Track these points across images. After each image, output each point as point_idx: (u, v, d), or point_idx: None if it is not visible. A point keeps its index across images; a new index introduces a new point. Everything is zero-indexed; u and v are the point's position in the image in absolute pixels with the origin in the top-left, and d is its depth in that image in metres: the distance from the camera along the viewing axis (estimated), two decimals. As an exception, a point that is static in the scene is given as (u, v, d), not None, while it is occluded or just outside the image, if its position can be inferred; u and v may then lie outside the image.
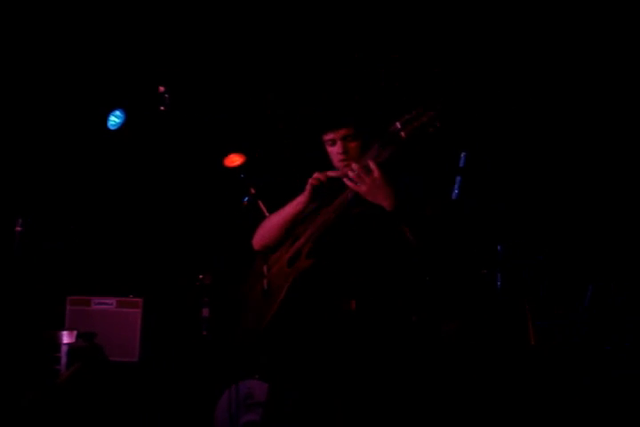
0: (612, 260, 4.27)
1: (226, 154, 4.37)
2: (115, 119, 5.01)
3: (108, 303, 5.15)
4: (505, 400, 3.72)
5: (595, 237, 4.40)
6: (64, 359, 4.49)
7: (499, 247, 4.14)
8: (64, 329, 4.68)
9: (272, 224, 2.88)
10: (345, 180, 2.56)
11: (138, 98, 4.97)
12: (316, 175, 2.71)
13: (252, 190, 4.25)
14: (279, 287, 2.68)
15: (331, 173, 2.70)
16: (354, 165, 2.54)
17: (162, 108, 4.48)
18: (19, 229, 4.47)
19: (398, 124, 2.46)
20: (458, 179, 4.17)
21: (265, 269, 2.79)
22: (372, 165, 2.50)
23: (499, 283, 4.10)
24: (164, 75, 5.03)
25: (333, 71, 4.95)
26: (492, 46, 4.64)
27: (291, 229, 2.80)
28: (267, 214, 4.10)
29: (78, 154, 5.58)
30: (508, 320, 3.99)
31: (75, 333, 4.61)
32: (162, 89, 4.49)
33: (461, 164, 4.23)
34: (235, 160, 4.34)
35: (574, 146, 4.55)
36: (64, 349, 4.51)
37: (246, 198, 4.24)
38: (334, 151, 2.69)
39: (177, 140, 5.24)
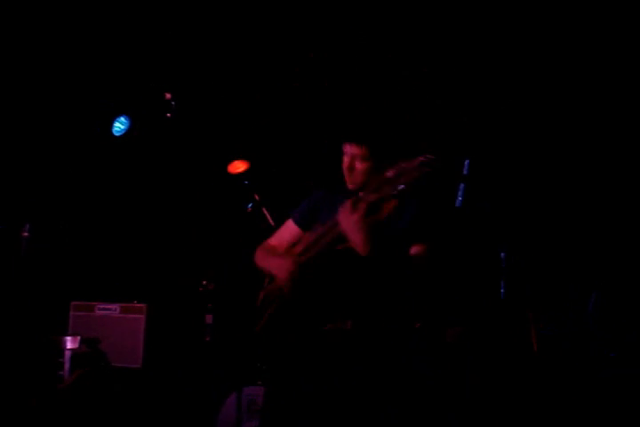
0: (614, 266, 4.27)
1: (230, 160, 4.38)
2: (119, 125, 5.04)
3: (112, 309, 5.15)
4: (508, 406, 3.72)
5: (597, 244, 4.40)
6: (67, 365, 4.49)
7: (502, 255, 4.13)
8: (67, 335, 4.67)
9: (261, 266, 2.80)
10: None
11: (143, 104, 5.00)
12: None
13: (257, 197, 4.26)
14: (271, 303, 2.60)
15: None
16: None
17: (168, 115, 4.49)
18: (26, 234, 4.48)
19: (391, 174, 2.30)
20: (461, 186, 4.16)
21: (267, 280, 2.72)
22: (359, 204, 2.33)
23: (502, 290, 4.09)
24: (169, 81, 5.05)
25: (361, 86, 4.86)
26: (498, 54, 4.65)
27: None
28: (271, 221, 4.11)
29: (83, 160, 5.60)
30: (512, 327, 3.99)
31: (78, 338, 4.60)
32: (168, 96, 4.51)
33: (465, 171, 4.22)
34: (239, 167, 4.36)
35: (576, 153, 4.55)
36: (67, 354, 4.51)
37: (250, 205, 4.25)
38: (343, 165, 2.54)
39: (181, 146, 5.25)
